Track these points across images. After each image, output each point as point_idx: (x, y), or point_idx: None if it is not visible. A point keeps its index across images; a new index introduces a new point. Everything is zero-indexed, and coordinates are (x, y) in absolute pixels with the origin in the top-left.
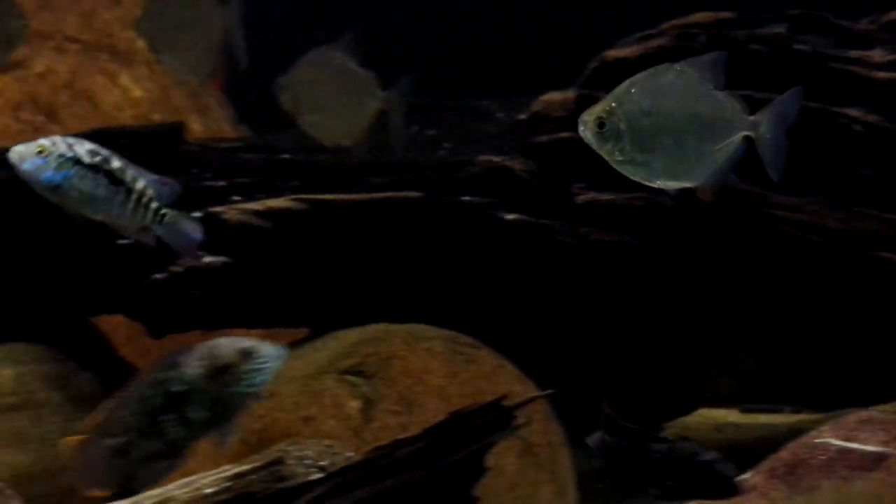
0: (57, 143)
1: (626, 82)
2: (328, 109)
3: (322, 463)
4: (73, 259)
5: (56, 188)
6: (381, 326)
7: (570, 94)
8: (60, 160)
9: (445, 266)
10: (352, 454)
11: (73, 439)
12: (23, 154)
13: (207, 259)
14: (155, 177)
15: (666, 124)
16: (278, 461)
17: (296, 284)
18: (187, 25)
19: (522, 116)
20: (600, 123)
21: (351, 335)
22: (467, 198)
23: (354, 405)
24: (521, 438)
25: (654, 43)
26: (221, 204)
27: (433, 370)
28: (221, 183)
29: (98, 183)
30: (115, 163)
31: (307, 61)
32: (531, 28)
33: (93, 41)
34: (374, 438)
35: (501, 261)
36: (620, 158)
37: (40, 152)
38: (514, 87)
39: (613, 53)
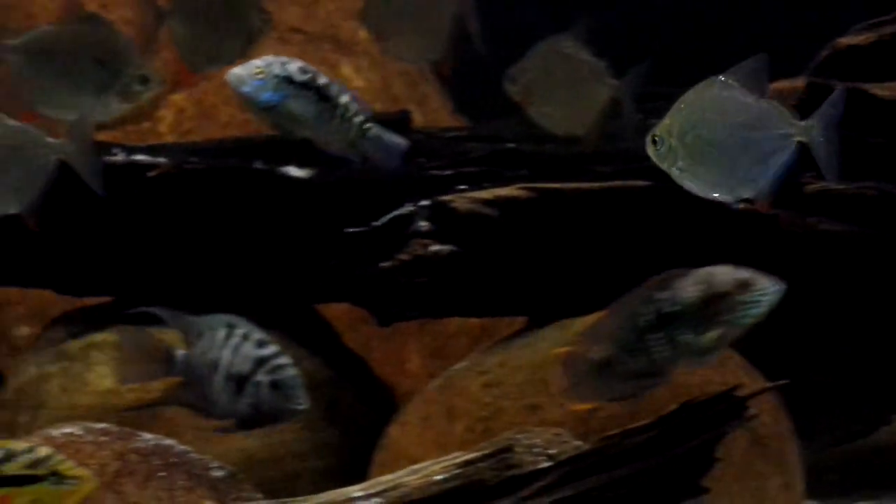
0: (272, 64)
1: (681, 98)
2: (560, 99)
3: (551, 451)
4: (301, 247)
5: (273, 108)
6: None
7: (799, 82)
8: (276, 80)
9: (672, 255)
10: (580, 443)
11: (560, 351)
12: (242, 77)
13: (434, 247)
14: (356, 92)
15: (715, 137)
16: (508, 449)
17: (521, 273)
18: (414, 12)
19: None
20: (653, 140)
21: (577, 324)
22: None
23: None
24: (750, 429)
25: (888, 30)
26: (448, 193)
27: None
28: (448, 172)
29: (309, 100)
30: (322, 79)
31: (538, 51)
32: (760, 15)
33: (315, 31)
34: (600, 428)
35: (729, 250)
36: (678, 173)
37: (258, 73)
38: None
39: (845, 41)
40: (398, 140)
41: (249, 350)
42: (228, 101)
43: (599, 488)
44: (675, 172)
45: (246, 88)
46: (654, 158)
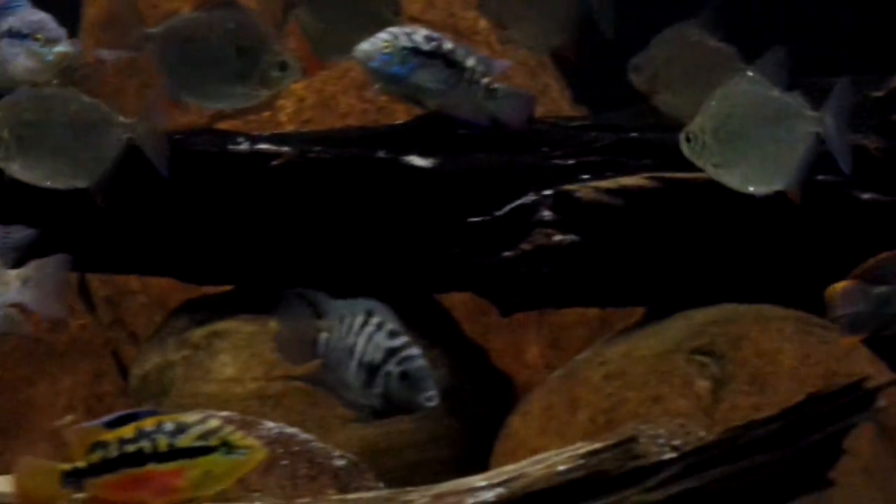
0: (398, 36)
1: (711, 94)
2: (688, 87)
3: (675, 442)
4: (423, 236)
5: (401, 80)
6: (731, 307)
7: None
8: (404, 53)
9: (800, 246)
10: (704, 434)
11: (838, 285)
12: (369, 52)
13: (557, 237)
14: (482, 54)
15: (743, 132)
16: (631, 439)
17: (644, 263)
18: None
19: (878, 94)
20: (687, 137)
21: (700, 315)
22: (822, 176)
23: (704, 385)
24: (877, 422)
25: None
26: (571, 182)
27: (785, 351)
28: (571, 161)
29: (437, 68)
30: (448, 45)
31: (664, 39)
32: (887, 3)
33: (435, 21)
34: (724, 419)
35: (856, 241)
36: (714, 169)
37: (385, 47)
38: (869, 64)
39: None
40: (525, 96)
41: (382, 340)
42: (348, 90)
43: (724, 479)
44: (710, 169)
45: (374, 63)
46: (688, 155)
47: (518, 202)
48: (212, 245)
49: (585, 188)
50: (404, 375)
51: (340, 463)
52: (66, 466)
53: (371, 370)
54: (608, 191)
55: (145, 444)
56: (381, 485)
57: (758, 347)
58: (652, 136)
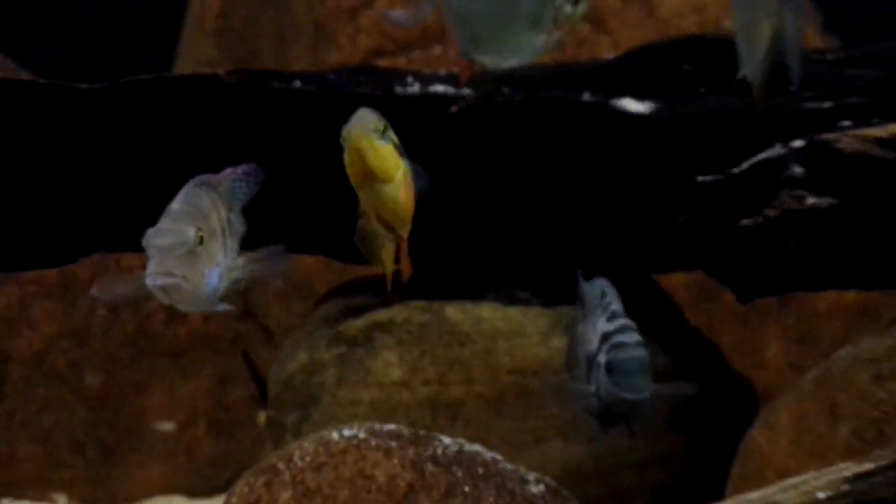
0: None
1: None
2: None
3: None
4: (639, 199)
5: None
6: None
7: None
8: None
9: None
10: None
11: None
12: None
13: (811, 200)
14: None
15: None
16: None
17: None
18: None
19: None
20: None
21: None
22: None
23: None
24: None
25: None
26: (828, 130)
27: None
28: (826, 104)
29: None
30: None
31: None
32: None
33: None
34: None
35: None
36: None
37: None
38: None
39: None
40: None
41: (601, 324)
42: None
43: None
44: None
45: None
46: None
47: (760, 156)
48: None
49: (847, 137)
50: (611, 367)
51: (537, 489)
52: None
53: (589, 362)
54: (877, 140)
55: None
56: None
57: None
58: None
